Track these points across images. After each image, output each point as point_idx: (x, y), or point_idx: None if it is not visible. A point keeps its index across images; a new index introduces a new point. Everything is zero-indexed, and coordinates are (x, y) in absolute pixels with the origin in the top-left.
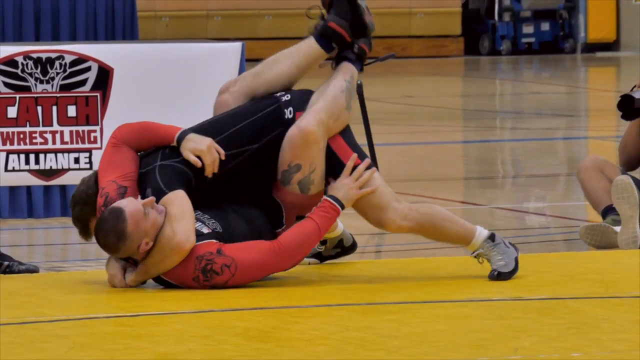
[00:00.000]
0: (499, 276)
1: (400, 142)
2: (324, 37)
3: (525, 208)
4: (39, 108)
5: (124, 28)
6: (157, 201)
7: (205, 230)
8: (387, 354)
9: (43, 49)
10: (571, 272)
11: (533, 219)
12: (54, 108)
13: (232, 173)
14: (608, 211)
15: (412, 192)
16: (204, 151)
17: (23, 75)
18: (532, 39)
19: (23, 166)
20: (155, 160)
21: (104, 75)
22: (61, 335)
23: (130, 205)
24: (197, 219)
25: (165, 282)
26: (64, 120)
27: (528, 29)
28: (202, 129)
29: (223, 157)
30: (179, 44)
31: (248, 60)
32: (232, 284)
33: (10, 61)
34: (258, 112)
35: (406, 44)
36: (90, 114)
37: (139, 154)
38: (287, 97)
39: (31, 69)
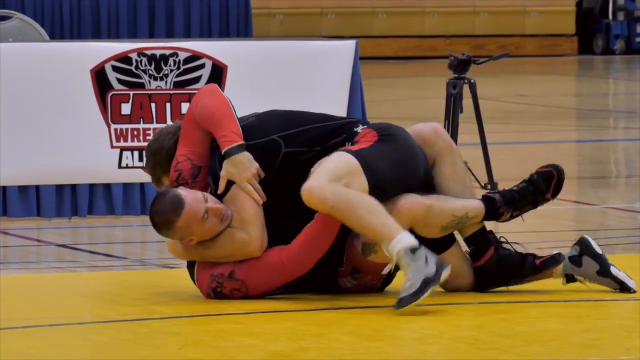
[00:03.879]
0: (398, 303)
1: (513, 142)
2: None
3: (639, 208)
4: (153, 105)
5: (238, 25)
6: (223, 192)
7: None
8: (498, 353)
9: (157, 45)
10: None
11: None
12: (168, 105)
13: (293, 174)
14: None
15: None
16: (241, 183)
17: (137, 72)
18: None
19: (137, 163)
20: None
21: (218, 73)
22: (173, 332)
23: (192, 205)
24: None
25: (191, 273)
26: (177, 117)
27: None
28: (261, 122)
29: (262, 195)
30: (292, 41)
31: (362, 59)
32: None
33: (125, 58)
34: (330, 120)
35: (520, 43)
36: None
37: None
38: (374, 122)
39: (145, 65)
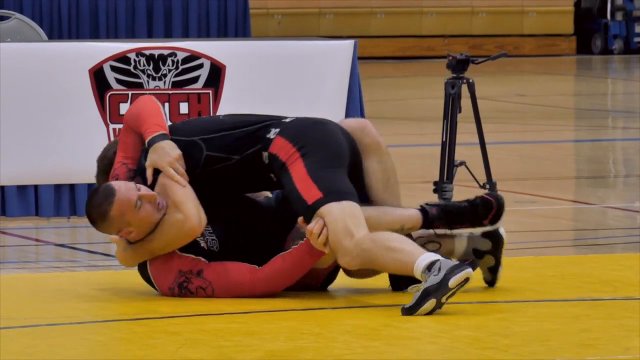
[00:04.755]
0: (402, 310)
1: (512, 141)
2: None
3: (637, 207)
4: None
5: (236, 25)
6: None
7: (202, 244)
8: (497, 352)
9: (155, 45)
10: None
11: None
12: (166, 105)
13: (219, 177)
14: None
15: (523, 190)
16: (164, 167)
17: (135, 71)
18: None
19: None
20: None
21: (216, 72)
22: (172, 332)
23: (123, 192)
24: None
25: (145, 276)
26: (175, 117)
27: None
28: (188, 124)
29: (186, 178)
30: (291, 41)
31: (360, 59)
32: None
33: (123, 58)
34: (246, 126)
35: (518, 43)
36: (202, 111)
37: None
38: (286, 120)
39: (143, 65)
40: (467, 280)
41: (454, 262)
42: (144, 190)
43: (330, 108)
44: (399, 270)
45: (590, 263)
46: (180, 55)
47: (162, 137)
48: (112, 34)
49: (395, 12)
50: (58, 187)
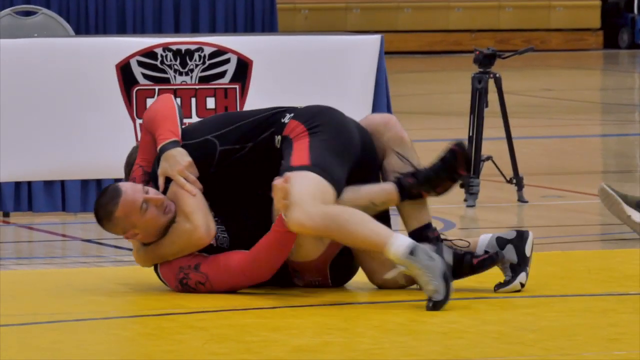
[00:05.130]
0: (434, 306)
1: (539, 136)
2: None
3: None
4: (178, 100)
5: (263, 20)
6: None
7: (211, 242)
8: (524, 347)
9: (182, 40)
10: None
11: None
12: (193, 100)
13: (233, 171)
14: None
15: (550, 185)
16: (174, 176)
17: (162, 67)
18: None
19: None
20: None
21: (243, 67)
22: (198, 327)
23: (129, 194)
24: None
25: (158, 275)
26: (202, 112)
27: None
28: (201, 125)
29: (197, 185)
30: (317, 36)
31: (387, 53)
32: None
33: (150, 53)
34: (260, 114)
35: (545, 37)
36: (229, 106)
37: None
38: (299, 107)
39: (170, 60)
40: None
41: (427, 244)
42: (153, 193)
43: (357, 103)
44: (362, 245)
45: (617, 257)
46: (207, 50)
47: (173, 144)
48: (139, 29)
49: (422, 7)
50: (85, 183)
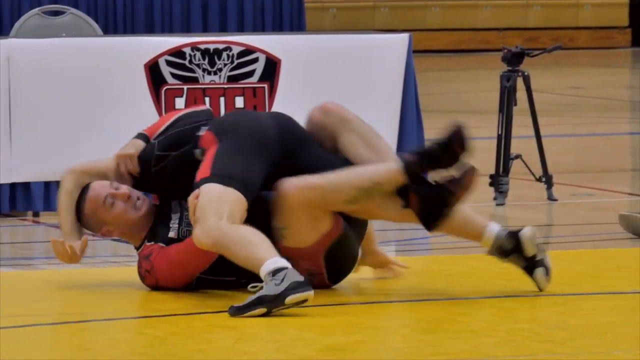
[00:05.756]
0: (229, 309)
1: (567, 134)
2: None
3: None
4: (207, 99)
5: (291, 19)
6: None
7: (172, 234)
8: (554, 345)
9: (211, 40)
10: None
11: None
12: (222, 99)
13: (166, 177)
14: None
15: (579, 183)
16: (114, 157)
17: (191, 66)
18: None
19: None
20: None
21: (272, 67)
22: (228, 326)
23: (95, 189)
24: (177, 223)
25: None
26: (231, 111)
27: None
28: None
29: (133, 172)
30: (346, 35)
31: (415, 52)
32: (164, 287)
33: (178, 52)
34: (190, 124)
35: (573, 35)
36: (258, 105)
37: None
38: (219, 117)
39: (199, 60)
40: (304, 301)
41: (300, 277)
42: (124, 189)
43: (385, 102)
44: (247, 263)
45: None
46: (236, 50)
47: (139, 136)
48: (167, 29)
49: (451, 5)
50: None
